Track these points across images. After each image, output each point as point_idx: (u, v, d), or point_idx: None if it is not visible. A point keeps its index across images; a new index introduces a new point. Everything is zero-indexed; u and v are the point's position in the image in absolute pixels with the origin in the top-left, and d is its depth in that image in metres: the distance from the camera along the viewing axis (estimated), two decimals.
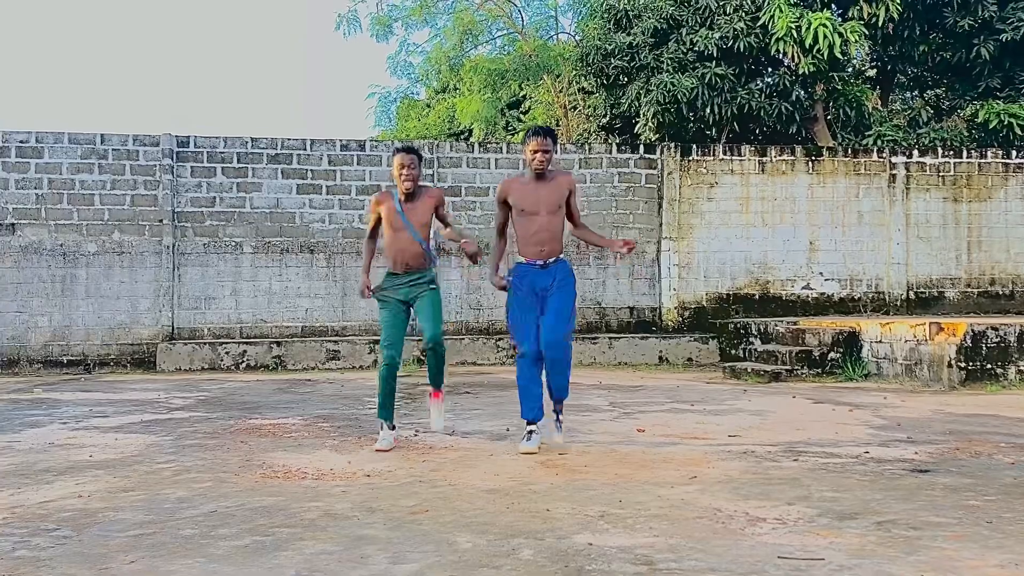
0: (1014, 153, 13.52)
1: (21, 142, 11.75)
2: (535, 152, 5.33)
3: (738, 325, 11.96)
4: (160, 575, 3.00)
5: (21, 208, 11.70)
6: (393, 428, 5.50)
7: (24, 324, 11.58)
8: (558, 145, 5.49)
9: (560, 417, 5.54)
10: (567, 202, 5.48)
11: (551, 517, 3.68)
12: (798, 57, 13.18)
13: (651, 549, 3.19)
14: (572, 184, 5.52)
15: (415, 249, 5.48)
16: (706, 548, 3.20)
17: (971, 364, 8.43)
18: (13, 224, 11.67)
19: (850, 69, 15.86)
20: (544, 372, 5.39)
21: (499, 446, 5.50)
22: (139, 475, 4.68)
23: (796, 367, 9.74)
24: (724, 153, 13.05)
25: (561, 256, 5.45)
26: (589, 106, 19.01)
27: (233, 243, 12.11)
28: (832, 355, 9.74)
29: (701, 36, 13.90)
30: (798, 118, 14.27)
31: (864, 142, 14.08)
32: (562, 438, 5.47)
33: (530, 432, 5.35)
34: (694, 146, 13.14)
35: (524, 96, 23.01)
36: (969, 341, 8.43)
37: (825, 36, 12.73)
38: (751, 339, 11.44)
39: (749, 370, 9.94)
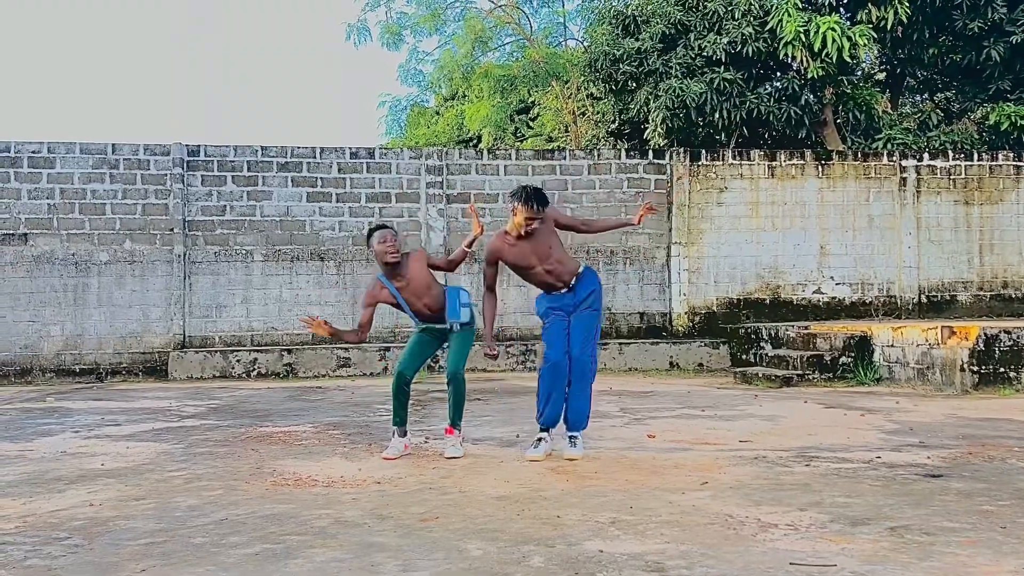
0: None
1: (33, 152, 11.84)
2: (528, 222, 5.22)
3: (749, 330, 11.93)
4: None
5: (33, 218, 11.78)
6: (405, 435, 5.50)
7: (37, 333, 11.65)
8: (549, 207, 5.40)
9: (575, 439, 5.33)
10: (561, 225, 5.52)
11: (561, 524, 3.67)
12: (807, 61, 13.15)
13: (662, 556, 3.18)
14: (551, 216, 5.39)
15: (428, 296, 5.49)
16: (717, 555, 3.19)
17: (984, 368, 8.36)
18: (25, 234, 11.75)
19: (859, 73, 15.81)
20: (567, 391, 5.34)
21: (509, 452, 5.50)
22: (150, 483, 4.70)
23: (807, 372, 9.71)
24: (733, 158, 13.03)
25: (579, 270, 5.46)
26: (598, 112, 19.04)
27: (244, 251, 12.16)
28: (843, 359, 9.70)
29: (709, 41, 13.90)
30: (807, 122, 14.22)
31: (874, 145, 14.03)
32: (578, 453, 5.26)
33: (539, 439, 5.33)
34: (703, 151, 13.13)
35: (533, 102, 23.07)
36: (982, 345, 8.37)
37: (834, 40, 12.71)
38: (762, 344, 11.41)
39: (760, 375, 9.90)
